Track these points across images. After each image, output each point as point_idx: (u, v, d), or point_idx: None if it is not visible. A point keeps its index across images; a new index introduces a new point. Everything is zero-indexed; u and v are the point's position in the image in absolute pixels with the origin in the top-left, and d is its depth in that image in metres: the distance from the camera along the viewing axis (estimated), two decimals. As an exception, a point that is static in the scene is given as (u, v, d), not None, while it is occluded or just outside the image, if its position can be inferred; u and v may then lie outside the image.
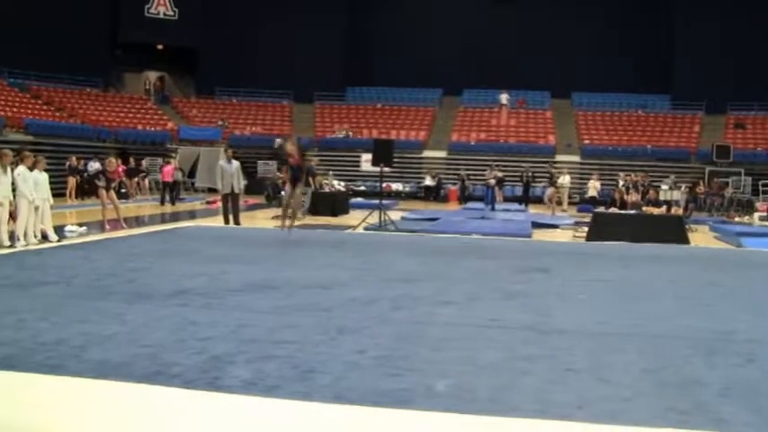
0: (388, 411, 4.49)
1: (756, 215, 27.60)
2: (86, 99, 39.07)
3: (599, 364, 5.70)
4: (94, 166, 28.85)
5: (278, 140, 14.98)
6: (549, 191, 29.17)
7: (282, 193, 22.50)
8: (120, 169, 23.57)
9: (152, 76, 46.18)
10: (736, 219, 27.61)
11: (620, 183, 27.30)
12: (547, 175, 29.74)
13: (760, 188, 33.33)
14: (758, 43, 38.89)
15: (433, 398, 4.79)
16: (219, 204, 19.02)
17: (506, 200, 31.96)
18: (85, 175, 28.36)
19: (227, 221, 17.82)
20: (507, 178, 32.82)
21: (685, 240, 17.24)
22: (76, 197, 27.66)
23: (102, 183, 17.15)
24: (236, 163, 17.93)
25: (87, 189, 28.20)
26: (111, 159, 18.22)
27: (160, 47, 44.43)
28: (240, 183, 17.98)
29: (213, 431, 4.14)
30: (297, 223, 19.51)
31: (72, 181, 27.74)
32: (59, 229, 14.58)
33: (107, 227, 16.43)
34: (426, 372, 5.37)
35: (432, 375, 5.26)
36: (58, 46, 35.97)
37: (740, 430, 4.32)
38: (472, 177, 35.53)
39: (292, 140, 16.07)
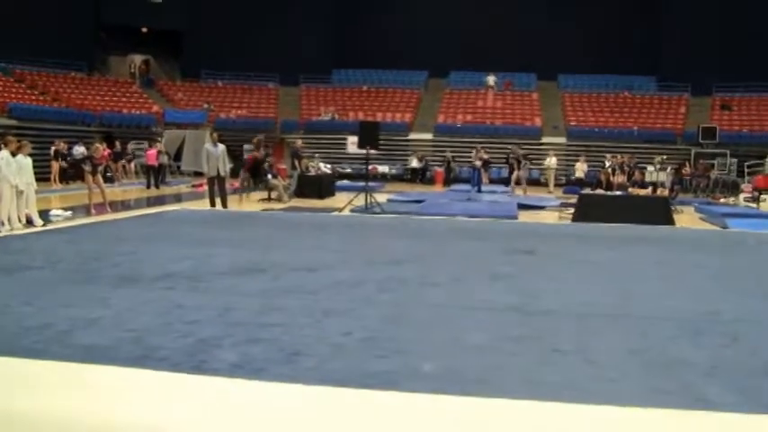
0: (374, 393, 4.48)
1: (742, 196, 27.73)
2: (71, 83, 38.84)
3: (585, 345, 5.71)
4: (79, 150, 28.74)
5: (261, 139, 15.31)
6: (515, 175, 28.78)
7: (269, 176, 22.51)
8: (106, 153, 23.47)
9: (137, 59, 45.97)
10: (722, 200, 27.73)
11: (607, 164, 27.38)
12: (512, 157, 29.21)
13: (745, 169, 33.49)
14: (744, 25, 38.98)
15: (419, 379, 4.79)
16: (206, 188, 18.96)
17: (492, 182, 31.97)
18: (69, 159, 28.24)
19: (213, 204, 17.77)
20: (493, 160, 32.79)
21: (671, 221, 17.30)
22: (61, 182, 27.51)
23: (88, 167, 17.09)
24: (221, 146, 17.86)
25: (72, 174, 28.11)
26: (97, 146, 18.14)
27: (145, 30, 44.20)
28: (226, 166, 17.92)
29: (199, 414, 4.13)
30: (283, 206, 19.55)
31: (56, 165, 27.59)
32: (44, 214, 14.53)
33: (93, 211, 16.37)
34: (413, 353, 5.36)
35: (418, 357, 5.26)
36: (43, 30, 35.75)
37: (725, 409, 4.34)
38: (458, 159, 35.53)
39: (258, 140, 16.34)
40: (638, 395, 4.56)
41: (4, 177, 12.91)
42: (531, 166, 33.33)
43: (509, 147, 32.26)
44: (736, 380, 4.93)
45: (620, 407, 4.31)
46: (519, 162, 28.56)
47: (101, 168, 18.10)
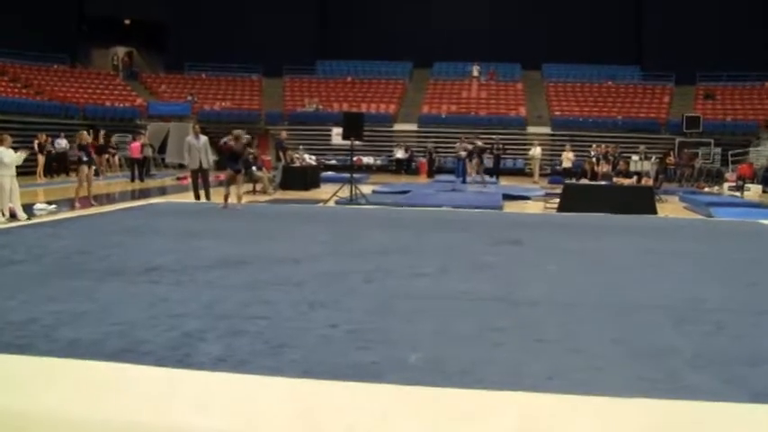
0: (359, 385, 4.49)
1: (726, 185, 27.90)
2: (53, 75, 38.62)
3: (570, 335, 5.73)
4: (61, 143, 28.61)
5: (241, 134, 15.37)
6: (475, 161, 28.11)
7: (254, 168, 22.44)
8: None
9: (120, 51, 45.76)
10: (706, 189, 27.87)
11: (593, 153, 27.43)
12: (470, 146, 28.62)
13: (729, 158, 33.61)
14: (726, 14, 39.08)
15: (405, 370, 4.79)
16: (190, 180, 18.89)
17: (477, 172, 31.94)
18: (52, 152, 28.11)
19: (197, 197, 17.71)
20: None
21: (655, 211, 17.36)
22: (45, 175, 27.35)
23: (84, 158, 16.92)
24: (203, 138, 17.82)
25: (56, 167, 27.99)
26: (83, 133, 17.96)
27: (128, 22, 43.98)
28: (209, 158, 17.87)
29: (183, 407, 4.12)
30: (268, 198, 19.51)
31: (41, 159, 27.40)
32: (28, 207, 14.44)
33: (77, 205, 16.29)
34: (398, 345, 5.37)
35: (404, 348, 5.27)
36: (25, 22, 35.54)
37: (710, 398, 4.36)
38: (440, 150, 35.60)
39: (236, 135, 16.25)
40: (623, 384, 4.58)
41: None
42: (505, 156, 33.40)
43: (493, 137, 32.27)
44: (720, 368, 4.96)
45: (605, 396, 4.32)
46: (474, 153, 27.85)
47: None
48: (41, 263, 8.59)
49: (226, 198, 15.74)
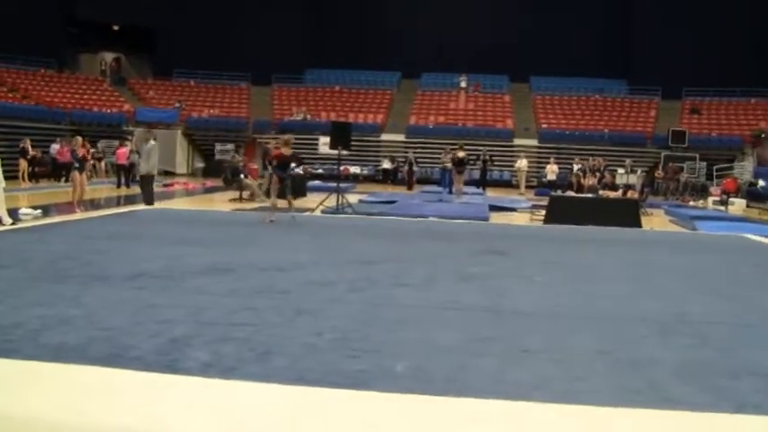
0: (345, 392, 4.50)
1: (710, 199, 28.09)
2: (41, 80, 38.57)
3: (555, 346, 5.76)
4: (56, 148, 28.54)
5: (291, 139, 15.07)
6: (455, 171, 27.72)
7: (241, 176, 22.43)
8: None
9: (108, 56, 45.71)
10: (691, 203, 28.02)
11: (576, 167, 27.55)
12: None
13: (714, 173, 33.82)
14: (714, 30, 39.36)
15: (390, 379, 4.81)
16: (176, 187, 18.88)
17: (464, 183, 31.96)
18: (37, 156, 28.07)
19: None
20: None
21: (639, 224, 17.45)
22: (30, 180, 27.26)
23: (75, 164, 16.88)
24: (152, 142, 17.86)
25: (43, 172, 27.95)
26: (78, 138, 17.91)
27: (116, 27, 43.91)
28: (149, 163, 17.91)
29: (170, 412, 4.13)
30: (254, 206, 19.49)
31: (24, 163, 27.30)
32: (13, 212, 14.39)
33: (76, 209, 16.20)
34: (384, 353, 5.39)
35: (389, 357, 5.28)
36: (12, 26, 35.42)
37: (693, 408, 4.39)
38: (421, 161, 35.69)
39: (286, 141, 15.98)
40: (606, 394, 4.61)
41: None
42: (492, 168, 33.42)
43: (480, 149, 32.35)
44: (704, 380, 5.00)
45: (588, 405, 4.35)
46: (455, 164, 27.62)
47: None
48: (27, 268, 8.56)
49: (274, 207, 15.40)
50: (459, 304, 7.24)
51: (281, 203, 15.47)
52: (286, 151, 15.37)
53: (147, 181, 17.88)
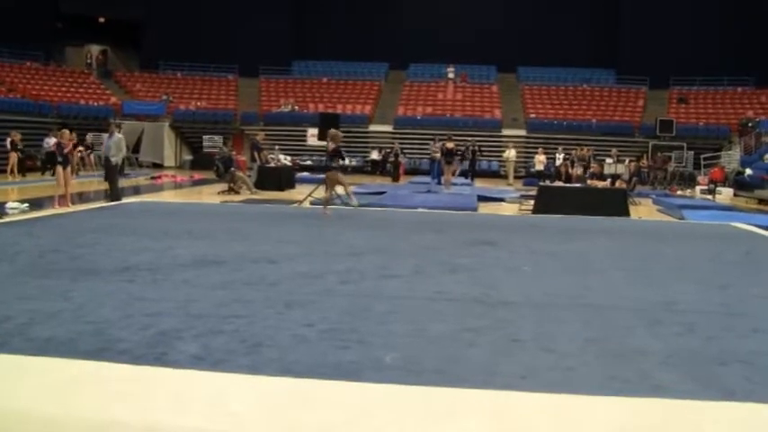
0: (336, 383, 4.51)
1: (698, 188, 28.21)
2: (27, 73, 38.38)
3: (544, 335, 5.78)
4: (50, 141, 28.37)
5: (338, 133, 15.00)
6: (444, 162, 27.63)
7: (232, 168, 22.39)
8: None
9: (94, 49, 45.53)
10: (679, 192, 28.13)
11: (559, 157, 27.64)
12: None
13: (701, 162, 33.93)
14: (700, 19, 39.46)
15: (380, 370, 4.82)
16: (164, 180, 18.81)
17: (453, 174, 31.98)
18: (42, 151, 28.04)
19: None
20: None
21: (627, 213, 17.50)
22: (18, 173, 27.14)
23: (59, 159, 16.78)
24: (117, 135, 17.84)
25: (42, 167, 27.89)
26: (65, 131, 17.80)
27: (102, 20, 43.72)
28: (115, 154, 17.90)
29: (160, 405, 4.12)
30: (242, 198, 19.45)
31: (13, 157, 27.15)
32: (0, 206, 14.33)
33: (56, 204, 16.13)
34: (374, 344, 5.39)
35: (379, 348, 5.29)
36: (-2, 18, 35.28)
37: (681, 396, 4.42)
38: (416, 151, 35.64)
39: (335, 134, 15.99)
40: (596, 383, 4.63)
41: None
42: (481, 158, 33.36)
43: (468, 139, 32.32)
44: (692, 368, 5.02)
45: (577, 395, 4.37)
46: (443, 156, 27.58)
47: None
48: (15, 262, 8.53)
49: (327, 203, 15.41)
50: (448, 295, 7.25)
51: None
52: (334, 145, 15.45)
53: (113, 172, 17.76)
